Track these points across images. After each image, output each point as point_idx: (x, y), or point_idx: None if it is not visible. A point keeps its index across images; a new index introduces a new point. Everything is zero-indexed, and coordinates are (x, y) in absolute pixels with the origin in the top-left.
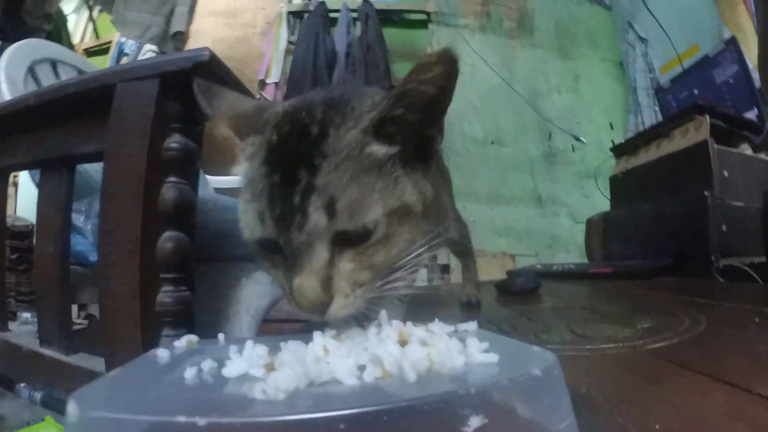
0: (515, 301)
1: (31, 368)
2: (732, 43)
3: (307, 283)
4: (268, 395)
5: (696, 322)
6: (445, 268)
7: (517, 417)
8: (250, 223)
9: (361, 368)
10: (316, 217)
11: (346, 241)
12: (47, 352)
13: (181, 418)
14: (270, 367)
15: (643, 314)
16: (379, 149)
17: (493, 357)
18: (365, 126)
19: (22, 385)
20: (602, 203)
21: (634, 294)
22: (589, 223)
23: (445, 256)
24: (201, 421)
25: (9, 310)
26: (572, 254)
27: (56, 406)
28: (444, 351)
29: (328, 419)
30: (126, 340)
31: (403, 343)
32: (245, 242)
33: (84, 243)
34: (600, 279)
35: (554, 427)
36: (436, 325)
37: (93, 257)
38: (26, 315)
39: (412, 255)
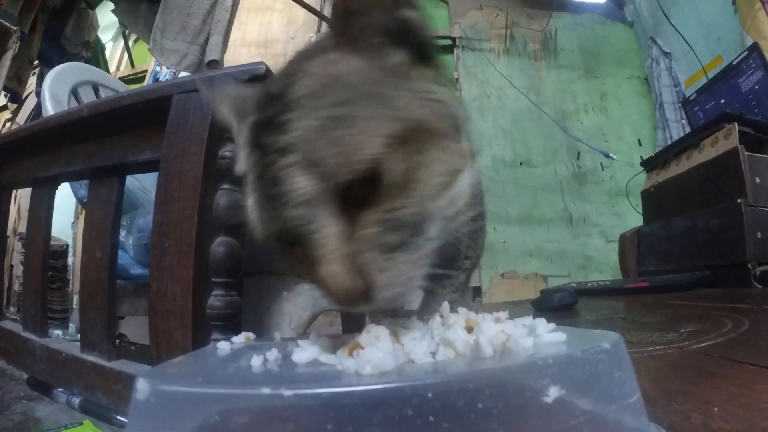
0: (553, 316)
1: (71, 373)
2: (755, 50)
3: (329, 269)
4: (359, 370)
5: (739, 324)
6: (477, 291)
7: (591, 389)
8: (260, 219)
9: (433, 353)
10: (297, 181)
11: (357, 201)
12: (89, 357)
13: (266, 390)
14: (352, 348)
15: (685, 321)
16: (348, 61)
17: (561, 336)
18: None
19: (60, 390)
20: (633, 222)
21: (672, 305)
22: (623, 239)
23: (476, 276)
24: (287, 392)
25: None
26: (605, 274)
27: (95, 411)
28: (516, 329)
29: (416, 388)
30: (175, 342)
31: (470, 329)
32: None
33: (125, 257)
34: (636, 294)
35: (624, 401)
36: (497, 313)
37: (134, 270)
38: (57, 332)
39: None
